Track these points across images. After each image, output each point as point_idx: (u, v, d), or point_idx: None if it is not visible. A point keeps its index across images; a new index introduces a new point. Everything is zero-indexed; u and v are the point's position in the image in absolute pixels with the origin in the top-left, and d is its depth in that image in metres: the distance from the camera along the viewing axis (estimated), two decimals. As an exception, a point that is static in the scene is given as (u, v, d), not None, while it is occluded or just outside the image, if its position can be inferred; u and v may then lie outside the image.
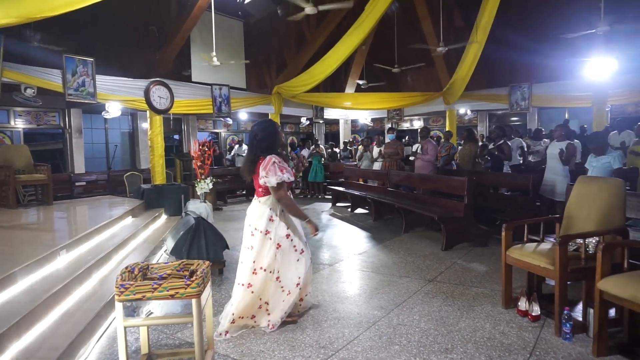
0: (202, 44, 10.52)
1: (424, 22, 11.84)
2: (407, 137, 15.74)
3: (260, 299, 3.15)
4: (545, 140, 9.71)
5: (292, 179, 3.10)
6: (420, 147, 8.04)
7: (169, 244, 4.72)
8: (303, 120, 15.51)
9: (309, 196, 11.85)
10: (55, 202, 6.91)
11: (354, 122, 17.73)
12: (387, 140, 9.71)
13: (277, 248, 3.09)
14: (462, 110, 14.31)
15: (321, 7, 8.06)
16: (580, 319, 3.12)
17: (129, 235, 5.04)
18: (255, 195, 3.26)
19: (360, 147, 12.03)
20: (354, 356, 2.77)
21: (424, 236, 6.35)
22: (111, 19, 10.70)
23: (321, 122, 16.49)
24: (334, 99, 13.97)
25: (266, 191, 3.11)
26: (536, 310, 3.24)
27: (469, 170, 7.55)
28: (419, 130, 9.86)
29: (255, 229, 3.14)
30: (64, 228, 5.46)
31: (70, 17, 6.34)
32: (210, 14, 8.41)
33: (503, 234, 3.47)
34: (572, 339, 2.90)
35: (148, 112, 9.14)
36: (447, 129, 12.53)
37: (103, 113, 9.98)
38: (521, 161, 8.57)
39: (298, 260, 3.17)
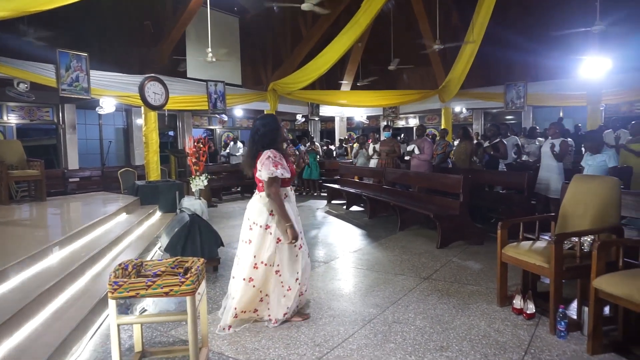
0: (197, 40, 10.46)
1: (421, 20, 11.83)
2: (402, 135, 15.76)
3: (261, 291, 3.16)
4: (540, 139, 9.75)
5: (287, 175, 3.07)
6: (415, 146, 8.03)
7: (164, 241, 4.69)
8: (298, 117, 15.48)
9: (304, 193, 11.83)
10: (48, 198, 6.86)
11: (349, 119, 17.72)
12: (382, 137, 9.72)
13: (277, 242, 3.09)
14: (457, 109, 14.33)
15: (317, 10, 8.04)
16: (575, 317, 3.13)
17: (123, 232, 5.00)
18: (256, 190, 3.25)
19: (355, 144, 12.03)
20: (349, 354, 2.76)
21: (419, 234, 6.36)
22: (106, 14, 10.61)
23: (317, 119, 16.47)
24: (330, 96, 13.95)
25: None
26: (531, 308, 3.24)
27: (464, 168, 7.56)
28: (415, 128, 9.87)
29: (254, 223, 3.14)
30: (57, 224, 5.41)
31: (64, 12, 6.28)
32: (206, 9, 8.34)
33: (498, 232, 3.47)
34: (567, 337, 2.91)
35: (143, 108, 9.07)
36: (442, 127, 12.56)
37: (97, 109, 9.90)
38: (516, 159, 8.59)
39: (297, 255, 3.17)
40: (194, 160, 6.11)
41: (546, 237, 3.67)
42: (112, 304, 2.25)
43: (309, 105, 14.37)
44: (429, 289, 3.95)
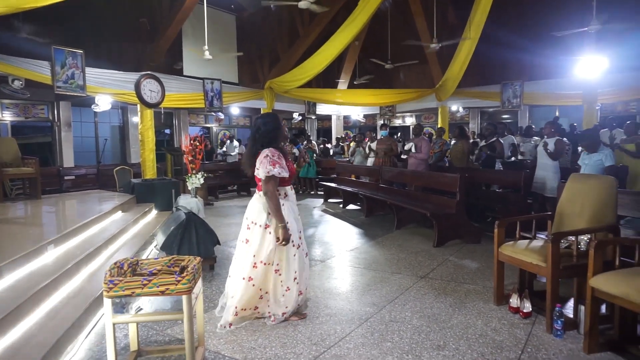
0: (194, 38, 10.43)
1: (418, 19, 11.84)
2: (399, 133, 15.76)
3: (261, 289, 3.17)
4: (536, 138, 9.78)
5: (285, 174, 3.06)
6: (413, 145, 8.03)
7: (159, 239, 4.67)
8: (295, 115, 15.46)
9: (300, 192, 11.81)
10: (43, 196, 6.81)
11: (346, 118, 17.72)
12: (379, 136, 9.71)
13: (277, 242, 3.08)
14: (454, 107, 14.35)
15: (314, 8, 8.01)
16: (571, 315, 3.13)
17: (119, 230, 4.97)
18: (255, 190, 3.25)
19: (352, 143, 12.02)
20: (346, 353, 2.75)
21: (415, 233, 6.36)
22: (101, 11, 10.54)
23: (313, 117, 16.46)
24: (327, 94, 13.93)
25: None
26: (527, 307, 3.25)
27: (461, 167, 7.57)
28: (412, 127, 9.88)
29: (253, 223, 3.14)
30: (52, 222, 5.38)
31: (60, 8, 6.23)
32: (203, 7, 8.31)
33: (495, 231, 3.48)
34: (564, 335, 2.91)
35: (139, 105, 9.02)
36: (439, 126, 12.56)
37: (93, 106, 9.84)
38: (512, 158, 8.61)
39: (295, 255, 3.15)
40: (190, 158, 6.09)
41: (543, 236, 3.67)
42: (107, 302, 2.23)
43: (306, 104, 14.36)
44: (426, 288, 3.95)
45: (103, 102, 9.32)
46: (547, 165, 6.01)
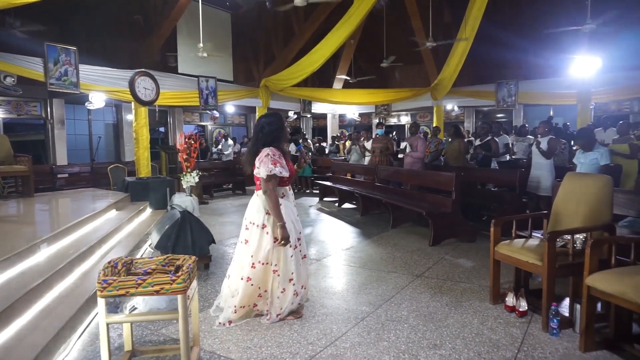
0: (188, 35, 10.35)
1: (413, 18, 11.83)
2: (394, 132, 15.77)
3: (260, 287, 3.17)
4: (529, 137, 9.82)
5: (286, 174, 3.06)
6: (408, 144, 8.03)
7: (154, 238, 4.63)
8: (290, 114, 15.41)
9: (296, 190, 11.79)
10: (36, 194, 6.74)
11: (341, 116, 17.69)
12: (374, 135, 9.70)
13: (275, 242, 3.08)
14: (449, 106, 14.36)
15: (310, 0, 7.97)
16: (567, 314, 3.14)
17: (113, 229, 4.93)
18: (255, 189, 3.25)
19: (347, 142, 12.00)
20: (342, 352, 2.74)
21: (411, 231, 6.36)
22: (95, 7, 10.44)
23: (309, 116, 16.42)
24: (322, 93, 13.91)
25: None
26: (523, 305, 3.25)
27: (456, 166, 7.58)
28: (408, 126, 9.88)
29: (251, 223, 3.14)
30: (45, 221, 5.32)
31: (53, 4, 6.17)
32: (198, 4, 8.25)
33: (492, 229, 3.47)
34: (559, 334, 2.92)
35: (133, 103, 8.96)
36: (434, 125, 12.58)
37: (86, 104, 9.75)
38: (507, 157, 8.63)
39: (292, 256, 3.14)
40: (185, 156, 6.07)
41: (538, 235, 3.68)
42: (101, 302, 2.20)
43: (301, 102, 14.32)
44: (422, 287, 3.95)
45: (97, 100, 9.25)
46: (542, 164, 6.04)
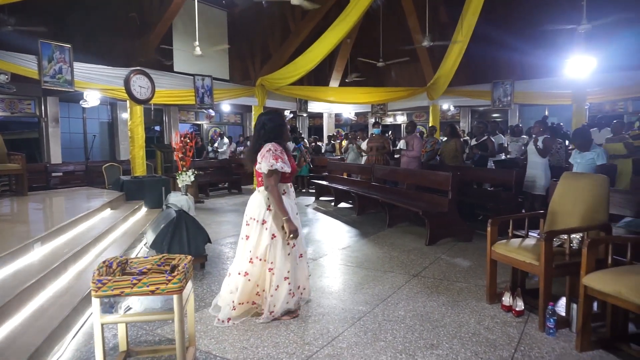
0: (184, 33, 10.30)
1: (410, 17, 11.83)
2: (390, 132, 15.78)
3: (258, 285, 3.17)
4: (524, 136, 9.86)
5: (287, 169, 3.05)
6: (405, 143, 8.02)
7: (149, 237, 4.60)
8: (287, 113, 15.38)
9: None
10: (30, 193, 6.68)
11: (337, 116, 17.68)
12: (370, 134, 9.69)
13: (272, 238, 3.08)
14: (445, 106, 14.38)
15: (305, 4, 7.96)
16: (564, 314, 3.14)
17: (108, 228, 4.89)
18: (256, 187, 3.25)
19: (344, 141, 11.98)
20: (339, 352, 2.72)
21: (407, 231, 6.36)
22: (90, 5, 10.38)
23: (305, 115, 16.40)
24: (318, 92, 13.88)
25: None
26: (520, 305, 3.25)
27: (452, 165, 7.58)
28: (405, 125, 9.88)
29: (252, 218, 3.14)
30: (39, 220, 5.27)
31: (48, 1, 6.11)
32: (193, 2, 8.21)
33: (489, 229, 3.47)
34: (556, 334, 2.92)
35: (128, 102, 8.89)
36: (430, 124, 12.59)
37: (81, 102, 9.69)
38: (502, 156, 8.65)
39: (289, 254, 3.13)
40: (180, 155, 6.02)
41: (535, 235, 3.68)
42: (95, 302, 2.17)
43: (297, 101, 14.29)
44: (419, 286, 3.94)
45: (92, 98, 9.18)
46: (537, 163, 6.07)
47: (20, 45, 7.38)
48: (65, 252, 3.75)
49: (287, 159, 3.08)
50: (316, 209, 8.67)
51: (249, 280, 3.12)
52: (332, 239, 5.98)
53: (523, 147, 8.85)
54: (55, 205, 6.18)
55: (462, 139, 9.08)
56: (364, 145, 9.34)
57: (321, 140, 16.07)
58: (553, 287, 3.05)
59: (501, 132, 10.03)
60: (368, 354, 2.70)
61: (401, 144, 8.19)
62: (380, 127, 9.38)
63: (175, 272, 2.25)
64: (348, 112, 16.64)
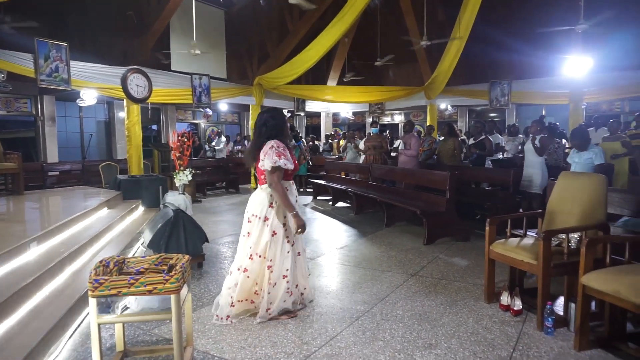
0: (182, 32, 10.26)
1: (407, 16, 11.83)
2: (387, 131, 15.79)
3: (257, 283, 3.16)
4: (520, 136, 9.89)
5: (290, 166, 3.05)
6: (402, 143, 8.02)
7: (146, 236, 4.58)
8: (284, 112, 15.35)
9: (289, 189, 11.73)
10: (26, 192, 6.65)
11: (335, 115, 17.67)
12: (367, 133, 9.69)
13: (273, 235, 3.07)
14: (442, 106, 14.40)
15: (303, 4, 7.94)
16: (562, 313, 3.14)
17: (104, 228, 4.87)
18: (258, 184, 3.24)
19: (342, 140, 11.97)
20: (337, 352, 2.72)
21: (405, 230, 6.35)
22: (87, 3, 10.33)
23: (302, 114, 16.39)
24: (316, 91, 13.86)
25: None
26: (518, 304, 3.25)
27: (450, 164, 7.59)
28: (403, 124, 9.89)
29: (253, 215, 3.13)
30: (35, 219, 5.24)
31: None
32: (191, 0, 8.18)
33: (487, 228, 3.47)
34: (554, 333, 2.92)
35: (125, 100, 8.86)
36: (428, 124, 12.60)
37: (78, 101, 9.65)
38: (500, 155, 8.68)
39: (288, 252, 3.13)
40: (177, 154, 6.00)
41: (533, 234, 3.68)
42: (92, 302, 2.16)
43: (295, 101, 14.27)
44: (417, 286, 3.94)
45: (88, 97, 9.15)
46: (534, 162, 6.10)
47: (16, 44, 7.34)
48: (62, 252, 3.73)
49: (290, 156, 3.07)
50: (314, 208, 8.66)
51: (248, 277, 3.11)
52: (329, 239, 5.97)
53: (520, 147, 8.89)
54: (52, 205, 6.15)
55: (459, 139, 9.09)
56: (361, 145, 9.33)
57: (319, 139, 16.06)
58: (551, 287, 3.05)
59: (498, 131, 10.06)
60: (366, 353, 2.70)
61: (399, 144, 8.19)
62: (378, 126, 9.38)
63: (173, 272, 2.23)
64: (345, 111, 16.63)
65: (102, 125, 13.27)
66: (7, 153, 6.38)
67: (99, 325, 2.18)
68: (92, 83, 8.34)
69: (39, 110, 11.10)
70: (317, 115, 17.09)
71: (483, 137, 7.76)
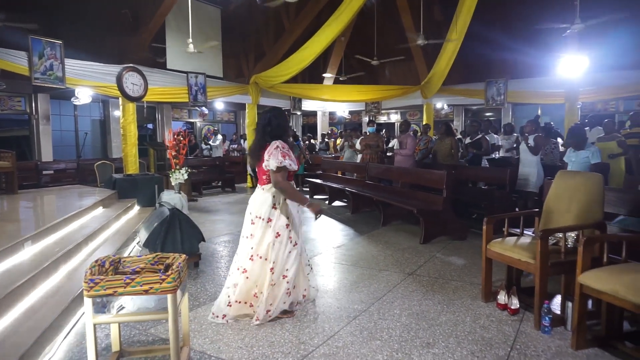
0: (177, 30, 10.20)
1: (404, 15, 11.82)
2: (384, 130, 15.79)
3: (257, 286, 3.13)
4: (515, 134, 9.90)
5: (295, 167, 3.05)
6: (397, 142, 8.02)
7: (142, 236, 4.55)
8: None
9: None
10: (20, 191, 6.61)
11: (331, 114, 17.64)
12: (364, 132, 9.69)
13: (276, 237, 3.06)
14: (438, 105, 14.41)
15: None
16: (559, 312, 3.15)
17: (100, 227, 4.84)
18: (258, 184, 3.22)
19: (339, 139, 11.96)
20: (335, 352, 2.71)
21: (402, 229, 6.35)
22: (82, 1, 10.24)
23: (299, 113, 16.35)
24: (312, 90, 13.83)
25: (270, 179, 3.07)
26: (515, 303, 3.25)
27: (447, 164, 7.59)
28: (399, 124, 9.89)
29: (257, 217, 3.11)
30: (30, 218, 5.20)
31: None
32: (187, -2, 8.14)
33: (484, 227, 3.46)
34: (551, 332, 2.92)
35: (120, 99, 8.81)
36: (424, 123, 12.60)
37: (72, 99, 9.58)
38: (496, 155, 8.69)
39: (290, 252, 3.12)
40: (173, 153, 5.97)
41: (530, 233, 3.69)
42: (87, 302, 2.13)
43: (291, 99, 14.25)
44: (414, 285, 3.93)
45: (83, 95, 9.09)
46: (530, 161, 6.13)
47: (10, 41, 7.26)
48: (57, 251, 3.70)
49: (293, 157, 3.07)
50: (310, 207, 8.62)
51: (247, 277, 3.09)
52: (326, 238, 5.96)
53: (515, 144, 8.90)
54: (46, 204, 6.11)
55: (456, 138, 9.10)
56: (357, 144, 9.33)
57: (315, 138, 16.04)
58: (548, 286, 3.05)
59: (495, 131, 10.07)
60: (364, 352, 2.69)
61: (395, 144, 8.18)
62: (375, 125, 9.37)
63: (169, 271, 2.22)
64: (342, 110, 16.62)
65: (97, 123, 13.20)
66: (1, 152, 6.33)
67: (94, 325, 2.16)
68: (87, 81, 8.28)
69: (34, 108, 11.02)
70: (314, 114, 17.05)
71: (479, 136, 7.77)
